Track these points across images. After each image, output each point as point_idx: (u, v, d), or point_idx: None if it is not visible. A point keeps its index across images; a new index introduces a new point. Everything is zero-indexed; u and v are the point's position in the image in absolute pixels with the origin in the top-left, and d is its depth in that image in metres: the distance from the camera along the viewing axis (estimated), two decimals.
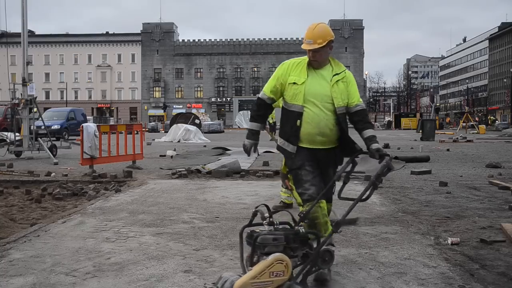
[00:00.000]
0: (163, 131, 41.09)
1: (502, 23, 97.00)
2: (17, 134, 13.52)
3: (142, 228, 4.81)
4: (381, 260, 3.75)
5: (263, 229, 2.81)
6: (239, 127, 58.99)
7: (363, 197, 3.04)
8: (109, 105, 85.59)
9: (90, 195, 7.27)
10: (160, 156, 13.87)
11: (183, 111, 62.40)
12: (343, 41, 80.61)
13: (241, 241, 2.89)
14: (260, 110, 3.57)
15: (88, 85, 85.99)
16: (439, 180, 8.16)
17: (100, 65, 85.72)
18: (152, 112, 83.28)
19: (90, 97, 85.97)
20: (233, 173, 9.28)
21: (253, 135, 3.57)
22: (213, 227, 4.85)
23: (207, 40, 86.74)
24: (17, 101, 13.24)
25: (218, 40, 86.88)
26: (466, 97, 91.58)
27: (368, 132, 3.34)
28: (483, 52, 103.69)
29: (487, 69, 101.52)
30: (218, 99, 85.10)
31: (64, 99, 75.12)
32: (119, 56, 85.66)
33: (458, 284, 3.20)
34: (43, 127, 14.97)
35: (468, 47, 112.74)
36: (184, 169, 9.48)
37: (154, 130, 46.19)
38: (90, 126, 9.60)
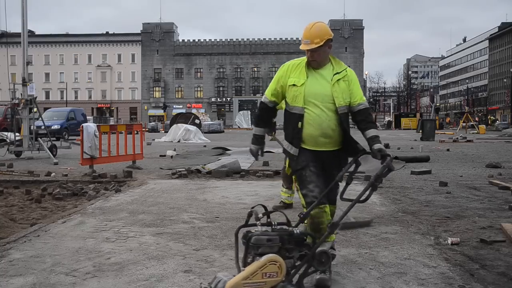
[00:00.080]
0: (163, 131, 41.08)
1: (502, 23, 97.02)
2: (17, 134, 13.52)
3: (142, 228, 4.81)
4: (381, 260, 3.75)
5: (257, 230, 2.79)
6: (239, 127, 58.99)
7: (362, 198, 3.01)
8: (109, 105, 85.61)
9: (90, 195, 7.27)
10: (160, 156, 13.87)
11: (183, 111, 62.40)
12: (343, 41, 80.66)
13: (237, 242, 2.86)
14: (263, 114, 3.56)
15: (88, 85, 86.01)
16: (439, 180, 8.16)
17: (100, 65, 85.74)
18: (152, 112, 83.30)
19: (90, 97, 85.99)
20: (233, 173, 9.28)
21: (258, 140, 3.56)
22: (213, 227, 4.85)
23: (207, 40, 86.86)
24: (17, 101, 13.24)
25: (218, 40, 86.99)
26: (466, 97, 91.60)
27: (371, 132, 3.28)
28: (483, 52, 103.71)
29: (487, 69, 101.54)
30: (218, 99, 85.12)
31: (64, 99, 75.14)
32: (119, 56, 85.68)
33: (458, 284, 3.20)
34: (43, 127, 14.97)
35: (468, 47, 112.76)
36: (184, 169, 9.48)
37: (154, 130, 46.17)
38: (90, 126, 9.60)
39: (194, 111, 61.38)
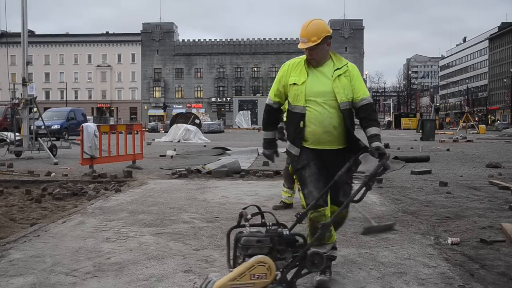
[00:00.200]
0: (163, 131, 41.07)
1: (502, 23, 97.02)
2: (17, 134, 13.52)
3: (142, 228, 4.81)
4: (381, 260, 3.75)
5: (246, 231, 2.76)
6: (239, 127, 58.94)
7: (356, 198, 2.97)
8: (109, 105, 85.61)
9: (90, 195, 7.27)
10: (160, 156, 13.87)
11: (183, 111, 62.38)
12: (343, 41, 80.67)
13: (228, 242, 2.83)
14: (269, 117, 3.51)
15: (88, 85, 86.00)
16: (439, 180, 8.16)
17: (100, 65, 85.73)
18: (152, 112, 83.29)
19: (90, 97, 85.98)
20: (233, 173, 9.28)
21: (269, 144, 3.52)
22: (213, 227, 4.85)
23: (207, 40, 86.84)
24: (17, 101, 13.24)
25: (218, 40, 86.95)
26: (466, 97, 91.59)
27: (372, 130, 3.21)
28: (483, 52, 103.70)
29: (487, 69, 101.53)
30: (218, 99, 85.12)
31: (64, 99, 75.14)
32: (119, 56, 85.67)
33: (458, 284, 3.20)
34: (43, 127, 14.98)
35: (468, 47, 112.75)
36: (184, 169, 9.48)
37: (154, 130, 46.14)
38: (90, 126, 9.60)
39: (194, 111, 61.34)
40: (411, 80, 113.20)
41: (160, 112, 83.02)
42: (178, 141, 23.38)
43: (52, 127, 23.86)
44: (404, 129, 53.26)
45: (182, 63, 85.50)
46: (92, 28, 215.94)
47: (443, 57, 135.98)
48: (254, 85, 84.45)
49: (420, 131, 26.03)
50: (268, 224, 2.80)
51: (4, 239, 4.40)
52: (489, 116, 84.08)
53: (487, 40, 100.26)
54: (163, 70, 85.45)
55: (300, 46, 3.29)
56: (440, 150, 16.57)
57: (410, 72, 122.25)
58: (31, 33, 76.99)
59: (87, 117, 35.00)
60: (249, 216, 2.82)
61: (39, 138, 13.23)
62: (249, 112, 63.48)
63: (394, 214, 5.53)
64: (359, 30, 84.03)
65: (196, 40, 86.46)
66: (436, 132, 27.40)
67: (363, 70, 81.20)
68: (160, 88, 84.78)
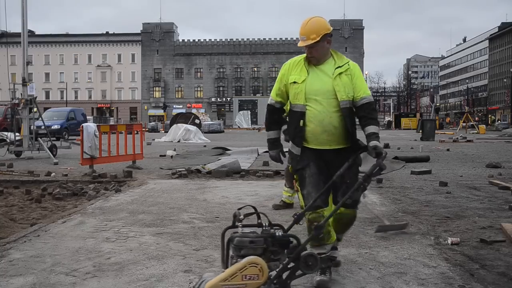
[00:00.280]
0: (163, 131, 41.07)
1: (502, 23, 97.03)
2: (17, 134, 13.52)
3: (142, 228, 4.81)
4: (381, 260, 3.74)
5: (239, 231, 2.73)
6: (239, 127, 58.95)
7: (349, 199, 2.96)
8: (109, 105, 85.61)
9: (90, 195, 7.27)
10: (160, 156, 13.87)
11: (183, 111, 62.38)
12: (343, 41, 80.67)
13: (223, 243, 2.82)
14: (272, 116, 3.47)
15: (88, 85, 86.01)
16: (439, 180, 8.16)
17: (100, 65, 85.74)
18: (152, 112, 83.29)
19: (90, 97, 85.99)
20: (233, 173, 9.28)
21: (273, 144, 3.46)
22: (213, 227, 4.84)
23: (207, 40, 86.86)
24: (17, 101, 13.24)
25: (218, 40, 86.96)
26: (466, 97, 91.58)
27: (370, 129, 3.15)
28: (483, 52, 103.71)
29: (487, 69, 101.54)
30: (218, 99, 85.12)
31: (64, 99, 75.15)
32: (119, 56, 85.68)
33: (458, 284, 3.20)
34: (43, 127, 14.97)
35: (468, 47, 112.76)
36: (184, 169, 9.48)
37: (154, 130, 46.15)
38: (90, 126, 9.60)
39: (194, 111, 61.34)
40: (411, 80, 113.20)
41: (160, 112, 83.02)
42: (178, 141, 23.38)
43: (52, 127, 23.87)
44: (404, 129, 53.28)
45: (182, 63, 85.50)
46: (92, 28, 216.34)
47: (443, 57, 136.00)
48: (254, 85, 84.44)
49: (420, 131, 26.03)
50: (264, 224, 2.78)
51: (4, 239, 4.40)
52: (489, 116, 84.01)
53: (487, 40, 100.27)
54: (163, 70, 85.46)
55: (299, 44, 3.26)
56: (440, 150, 16.57)
57: (410, 72, 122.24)
58: (31, 33, 76.98)
59: (87, 117, 35.01)
60: (241, 216, 2.80)
61: (39, 138, 13.23)
62: (249, 112, 63.49)
63: (394, 214, 5.52)
64: (359, 30, 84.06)
65: (196, 40, 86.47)
66: (436, 132, 27.40)
67: (363, 70, 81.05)
68: (160, 88, 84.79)
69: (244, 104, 73.16)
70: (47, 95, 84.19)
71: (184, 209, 5.82)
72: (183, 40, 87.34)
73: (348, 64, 3.26)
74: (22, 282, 3.24)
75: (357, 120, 3.33)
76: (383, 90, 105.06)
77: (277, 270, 2.68)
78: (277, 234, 2.73)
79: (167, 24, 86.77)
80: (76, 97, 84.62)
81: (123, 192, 7.22)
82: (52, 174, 9.23)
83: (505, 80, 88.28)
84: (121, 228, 4.81)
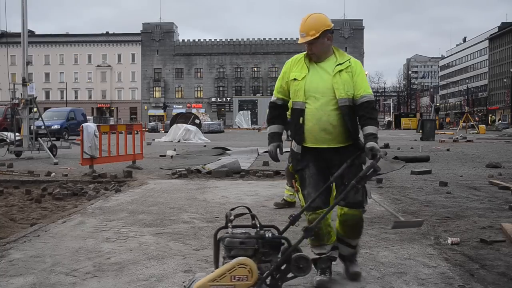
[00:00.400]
0: (163, 131, 41.07)
1: (502, 23, 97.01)
2: (17, 134, 13.53)
3: (142, 228, 4.81)
4: (381, 260, 3.74)
5: (228, 232, 2.73)
6: (239, 127, 58.98)
7: (342, 201, 2.94)
8: (109, 105, 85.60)
9: (90, 195, 7.27)
10: (160, 156, 13.87)
11: (183, 111, 62.35)
12: (343, 41, 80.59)
13: (215, 243, 2.81)
14: (273, 112, 3.40)
15: (88, 85, 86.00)
16: (439, 180, 8.16)
17: (100, 65, 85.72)
18: (152, 112, 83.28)
19: (90, 97, 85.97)
20: (233, 173, 9.28)
21: (273, 137, 3.35)
22: (213, 227, 4.83)
23: (207, 40, 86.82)
24: (17, 101, 13.25)
25: (218, 40, 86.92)
26: (466, 97, 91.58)
27: (368, 129, 3.06)
28: (483, 52, 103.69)
29: (487, 69, 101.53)
30: (218, 99, 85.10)
31: (64, 99, 75.12)
32: (119, 56, 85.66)
33: (458, 284, 3.20)
34: (43, 127, 14.97)
35: (468, 47, 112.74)
36: (184, 169, 9.48)
37: (154, 130, 46.17)
38: (90, 126, 9.60)
39: (194, 111, 61.32)
40: (411, 80, 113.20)
41: (160, 112, 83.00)
42: (178, 141, 23.38)
43: (52, 127, 23.86)
44: (404, 129, 53.29)
45: (182, 63, 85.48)
46: (92, 28, 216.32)
47: (443, 57, 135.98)
48: (254, 85, 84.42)
49: (420, 131, 26.03)
50: (258, 225, 2.76)
51: (4, 239, 4.40)
52: (490, 116, 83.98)
53: (487, 40, 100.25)
54: (163, 70, 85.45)
55: (299, 41, 3.22)
56: (440, 150, 16.57)
57: (410, 72, 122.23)
58: (31, 33, 76.95)
59: (87, 117, 35.01)
60: (232, 217, 2.79)
61: (39, 138, 13.23)
62: (249, 112, 63.51)
63: (393, 214, 5.52)
64: (359, 30, 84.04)
65: (196, 40, 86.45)
66: (436, 132, 27.40)
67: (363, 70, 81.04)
68: (160, 88, 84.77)
69: (244, 104, 73.20)
70: (47, 95, 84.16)
71: (184, 209, 5.82)
72: (183, 40, 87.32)
73: (349, 62, 3.19)
74: (22, 282, 3.24)
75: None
76: (383, 90, 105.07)
77: (267, 272, 2.66)
78: (267, 235, 2.71)
79: (167, 24, 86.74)
80: (76, 97, 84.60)
81: (123, 192, 7.22)
82: (52, 174, 9.23)
83: (505, 80, 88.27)
84: (121, 228, 4.81)
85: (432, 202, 6.32)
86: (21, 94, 13.28)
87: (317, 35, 3.11)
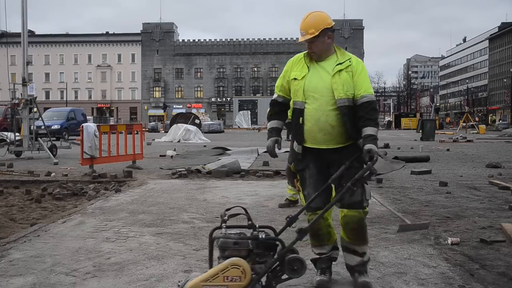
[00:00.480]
0: (163, 131, 41.07)
1: (502, 23, 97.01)
2: (17, 134, 13.53)
3: (142, 228, 4.81)
4: (381, 260, 3.75)
5: (222, 233, 2.72)
6: (239, 127, 58.97)
7: (338, 202, 2.93)
8: (109, 105, 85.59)
9: (90, 195, 7.27)
10: (160, 156, 13.87)
11: (183, 111, 62.34)
12: (343, 41, 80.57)
13: (210, 243, 2.81)
14: (273, 108, 3.36)
15: (88, 85, 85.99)
16: (439, 180, 8.16)
17: (100, 65, 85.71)
18: (152, 112, 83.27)
19: (90, 97, 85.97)
20: (233, 173, 9.28)
21: (272, 132, 3.28)
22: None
23: (207, 40, 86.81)
24: (17, 101, 13.25)
25: (218, 40, 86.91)
26: (466, 97, 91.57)
27: (367, 131, 2.99)
28: (483, 52, 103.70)
29: (487, 69, 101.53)
30: (218, 99, 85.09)
31: (64, 99, 75.12)
32: (119, 56, 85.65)
33: (458, 284, 3.20)
34: (43, 127, 14.98)
35: (468, 47, 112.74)
36: (184, 169, 9.48)
37: (154, 130, 46.17)
38: (90, 126, 9.60)
39: (194, 111, 61.32)
40: (411, 80, 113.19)
41: (160, 112, 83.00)
42: (178, 141, 23.38)
43: (52, 127, 23.87)
44: (404, 129, 53.28)
45: (182, 63, 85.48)
46: (92, 28, 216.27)
47: (443, 57, 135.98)
48: (254, 85, 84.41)
49: (420, 131, 26.03)
50: (255, 226, 2.74)
51: (4, 239, 4.41)
52: (490, 116, 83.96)
53: (487, 40, 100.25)
54: (163, 70, 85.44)
55: (299, 39, 3.18)
56: (440, 150, 16.56)
57: (410, 72, 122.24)
58: (31, 33, 76.95)
59: (87, 117, 35.01)
60: (225, 217, 2.79)
61: (39, 138, 13.24)
62: (249, 112, 63.50)
63: (394, 214, 5.52)
64: (359, 30, 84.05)
65: (196, 40, 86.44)
66: (436, 132, 27.40)
67: None
68: (160, 88, 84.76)
69: (244, 104, 73.18)
70: (47, 95, 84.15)
71: (184, 209, 5.82)
72: (183, 40, 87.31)
73: (350, 61, 3.12)
74: (22, 282, 3.24)
75: None
76: (383, 90, 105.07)
77: (262, 273, 2.66)
78: (261, 236, 2.69)
79: (167, 24, 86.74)
80: (76, 97, 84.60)
81: (123, 192, 7.22)
82: (52, 174, 9.23)
83: (505, 80, 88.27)
84: (121, 228, 4.81)
85: (432, 202, 6.32)
86: (21, 94, 13.28)
87: (317, 33, 3.06)
